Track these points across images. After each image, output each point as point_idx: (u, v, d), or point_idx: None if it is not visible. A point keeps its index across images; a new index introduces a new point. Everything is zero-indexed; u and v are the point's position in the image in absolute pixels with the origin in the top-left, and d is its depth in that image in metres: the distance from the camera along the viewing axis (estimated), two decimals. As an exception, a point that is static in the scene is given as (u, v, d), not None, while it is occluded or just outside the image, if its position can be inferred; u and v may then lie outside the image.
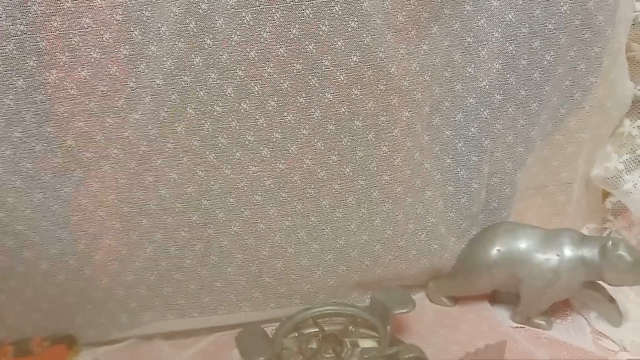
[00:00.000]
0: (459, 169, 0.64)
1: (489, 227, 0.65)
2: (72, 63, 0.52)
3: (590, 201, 0.73)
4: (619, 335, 0.59)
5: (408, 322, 0.62)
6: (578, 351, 0.57)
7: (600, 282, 0.60)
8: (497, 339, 0.57)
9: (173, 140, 0.56)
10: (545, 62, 0.61)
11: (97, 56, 0.52)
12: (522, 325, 0.62)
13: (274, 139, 0.57)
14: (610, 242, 0.56)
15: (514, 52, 0.60)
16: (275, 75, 0.54)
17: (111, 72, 0.53)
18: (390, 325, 0.57)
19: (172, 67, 0.53)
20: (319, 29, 0.53)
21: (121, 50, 0.52)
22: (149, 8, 0.51)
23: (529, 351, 0.57)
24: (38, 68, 0.51)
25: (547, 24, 0.59)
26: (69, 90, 0.53)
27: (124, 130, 0.55)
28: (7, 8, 0.49)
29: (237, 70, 0.54)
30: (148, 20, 0.51)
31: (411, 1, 0.55)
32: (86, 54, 0.52)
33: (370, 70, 0.55)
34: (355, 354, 0.55)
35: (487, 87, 0.61)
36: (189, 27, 0.52)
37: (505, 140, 0.64)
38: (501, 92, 0.61)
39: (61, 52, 0.51)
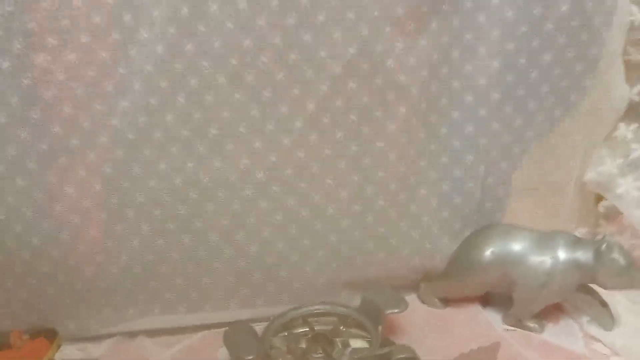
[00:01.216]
0: (454, 168, 0.63)
1: (483, 228, 0.64)
2: (61, 46, 0.50)
3: (583, 205, 0.72)
4: (610, 339, 0.59)
5: (399, 323, 0.61)
6: (570, 354, 0.57)
7: (593, 286, 0.60)
8: (489, 341, 0.56)
9: (162, 129, 0.54)
10: (544, 62, 0.60)
11: (87, 40, 0.51)
12: (513, 328, 0.61)
13: (267, 131, 0.56)
14: (604, 245, 0.56)
15: (512, 50, 0.59)
16: (269, 65, 0.53)
17: (100, 56, 0.51)
18: (381, 325, 0.56)
19: (163, 54, 0.52)
20: (316, 18, 0.52)
21: (111, 34, 0.51)
22: (141, -8, 0.50)
23: (520, 354, 0.57)
24: (25, 50, 0.50)
25: (546, 24, 0.59)
26: (57, 75, 0.51)
27: (112, 117, 0.53)
28: (-6, -13, 0.47)
29: (231, 59, 0.52)
30: (140, 5, 0.50)
31: (410, -6, 0.54)
32: (75, 37, 0.50)
33: (367, 64, 0.54)
34: (345, 354, 0.54)
35: (485, 85, 0.60)
36: (182, 12, 0.50)
37: (502, 140, 0.63)
38: (499, 91, 0.60)
39: (49, 34, 0.50)
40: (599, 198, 0.72)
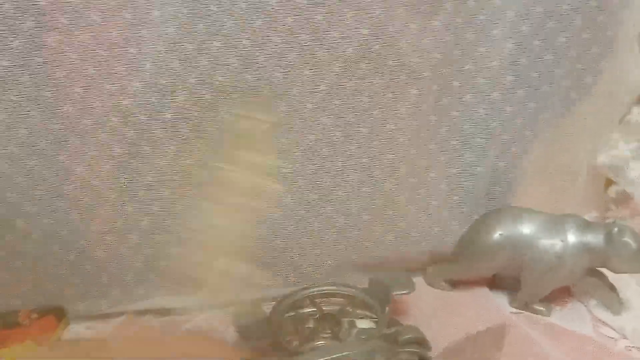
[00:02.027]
0: (464, 152, 0.63)
1: (493, 211, 0.64)
2: (72, 26, 0.50)
3: (594, 189, 0.72)
4: (619, 323, 0.59)
5: (406, 305, 0.62)
6: (578, 338, 0.57)
7: (602, 270, 0.60)
8: (496, 323, 0.56)
9: (173, 109, 0.54)
10: (559, 43, 0.59)
11: (98, 19, 0.50)
12: (521, 311, 0.61)
13: (278, 113, 0.55)
14: (616, 229, 0.56)
15: (527, 32, 0.58)
16: (281, 46, 0.52)
17: (112, 36, 0.51)
18: (388, 306, 0.56)
19: (174, 34, 0.51)
20: (329, -2, 0.51)
21: (122, 14, 0.50)
22: (153, -29, 0.49)
23: (528, 337, 0.56)
24: (36, 29, 0.50)
25: (562, 4, 0.58)
26: (68, 54, 0.51)
27: (123, 97, 0.53)
28: (4, -36, 0.47)
29: (242, 39, 0.52)
30: (151, -16, 0.50)
31: (424, -26, 0.53)
32: (87, 16, 0.50)
33: (379, 45, 0.54)
34: (352, 334, 0.54)
35: (498, 67, 0.59)
36: (193, -8, 0.50)
37: (514, 123, 0.62)
38: (512, 73, 0.60)
39: (61, 13, 0.49)
40: (609, 182, 0.72)
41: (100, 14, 0.50)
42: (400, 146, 0.59)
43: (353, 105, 0.56)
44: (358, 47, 0.53)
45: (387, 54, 0.54)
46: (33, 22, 0.49)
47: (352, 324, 0.55)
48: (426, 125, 0.60)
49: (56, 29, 0.50)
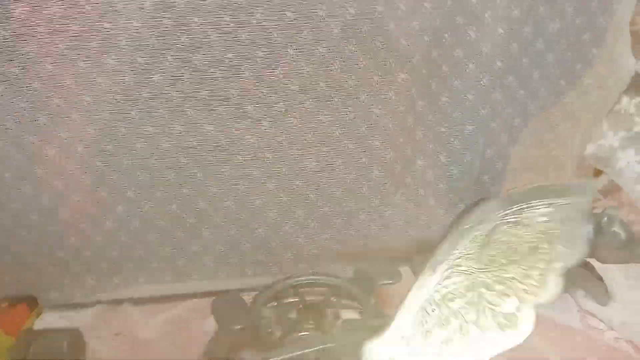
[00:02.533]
0: (452, 139, 0.61)
1: (480, 199, 0.62)
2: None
3: (582, 179, 0.71)
4: (606, 314, 0.58)
5: (392, 295, 0.60)
6: (565, 329, 0.57)
7: (589, 260, 0.59)
8: (483, 314, 0.55)
9: (149, 89, 0.51)
10: (550, 29, 0.58)
11: (70, -7, 0.47)
12: (507, 302, 0.60)
13: (260, 95, 0.53)
14: (605, 218, 0.55)
15: (518, 17, 0.57)
16: (264, 24, 0.50)
17: (84, 10, 0.48)
18: (374, 297, 0.55)
19: (151, 9, 0.48)
20: (315, -26, 0.49)
21: (95, -15, 0.48)
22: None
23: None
24: (1, 1, 0.46)
25: (554, -11, 0.56)
26: (37, 28, 0.48)
27: (96, 75, 0.50)
28: None
29: (223, 16, 0.49)
30: (126, -46, 0.47)
31: (414, -48, 0.51)
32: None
33: (367, 25, 0.52)
34: (336, 325, 0.52)
35: (488, 53, 0.58)
36: (172, -37, 0.47)
37: (503, 111, 0.61)
38: (502, 59, 0.58)
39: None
40: (598, 173, 0.71)
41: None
42: (386, 132, 0.57)
43: (339, 87, 0.54)
44: (345, 28, 0.51)
45: (375, 34, 0.52)
46: (-2, -7, 0.46)
47: (337, 315, 0.54)
48: (414, 110, 0.58)
49: (24, 1, 0.47)
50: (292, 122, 0.55)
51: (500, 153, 0.63)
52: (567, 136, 0.66)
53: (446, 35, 0.57)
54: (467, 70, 0.59)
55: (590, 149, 0.68)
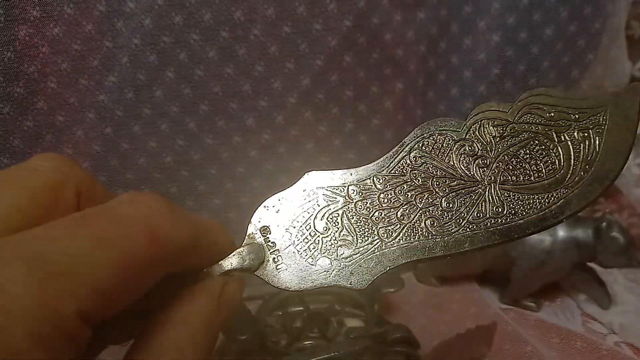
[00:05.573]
0: (451, 146, 0.62)
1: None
2: (44, 18, 0.48)
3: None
4: (607, 318, 0.58)
5: (395, 302, 0.60)
6: (567, 333, 0.56)
7: (591, 265, 0.59)
8: (486, 320, 0.56)
9: (151, 105, 0.52)
10: (545, 36, 0.58)
11: (71, 12, 0.48)
12: (510, 307, 0.61)
13: (260, 107, 0.54)
14: (604, 223, 0.55)
15: (513, 24, 0.57)
16: (262, 38, 0.51)
17: (86, 29, 0.49)
18: (377, 304, 0.55)
19: (151, 26, 0.50)
20: (311, -11, 0.50)
21: (96, 5, 0.49)
22: (127, -40, 0.48)
23: (517, 333, 0.56)
24: (6, 22, 0.48)
25: (548, -4, 0.57)
26: (40, 48, 0.49)
27: (99, 93, 0.51)
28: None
29: (221, 32, 0.50)
30: (126, -26, 0.48)
31: (408, -36, 0.52)
32: (59, 8, 0.48)
33: (364, 37, 0.52)
34: (341, 333, 0.53)
35: (484, 60, 0.58)
36: (170, -18, 0.48)
37: (500, 117, 0.61)
38: (499, 66, 0.59)
39: (32, 6, 0.47)
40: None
41: (73, 5, 0.48)
42: (385, 141, 0.58)
43: (338, 98, 0.55)
44: (342, 40, 0.52)
45: (371, 46, 0.53)
46: (3, 15, 0.47)
47: (341, 323, 0.54)
48: (412, 119, 0.59)
49: (27, 22, 0.48)
50: (292, 134, 0.56)
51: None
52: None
53: (442, 43, 0.58)
54: (464, 78, 0.59)
55: (589, 152, 0.68)
